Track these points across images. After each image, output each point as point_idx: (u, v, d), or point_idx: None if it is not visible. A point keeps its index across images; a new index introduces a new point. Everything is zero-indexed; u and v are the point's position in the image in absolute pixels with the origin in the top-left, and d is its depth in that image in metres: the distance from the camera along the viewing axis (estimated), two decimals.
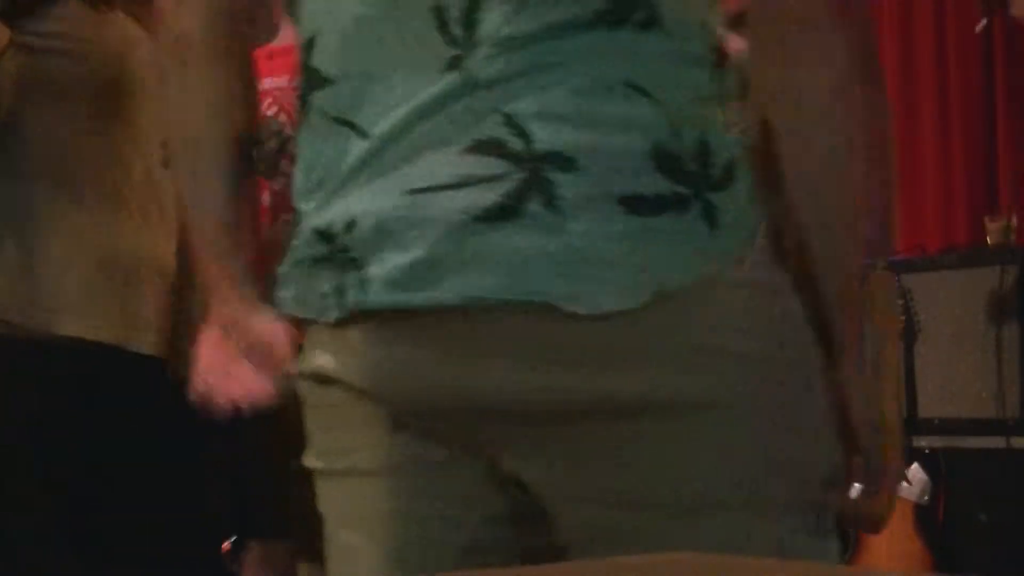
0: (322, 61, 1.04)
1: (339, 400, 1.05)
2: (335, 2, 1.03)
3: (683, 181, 0.95)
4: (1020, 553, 3.36)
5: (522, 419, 0.98)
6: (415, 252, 0.96)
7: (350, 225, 1.00)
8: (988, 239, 3.74)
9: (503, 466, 1.02)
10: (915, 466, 3.54)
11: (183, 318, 2.05)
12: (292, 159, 2.97)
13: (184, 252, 2.06)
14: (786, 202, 1.03)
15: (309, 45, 1.05)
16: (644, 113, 0.95)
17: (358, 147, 1.00)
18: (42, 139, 1.92)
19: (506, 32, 0.95)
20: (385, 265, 0.98)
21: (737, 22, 1.04)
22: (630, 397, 0.95)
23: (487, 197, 0.94)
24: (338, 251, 1.01)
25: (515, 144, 0.94)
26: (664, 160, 0.95)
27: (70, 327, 1.90)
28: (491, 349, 0.97)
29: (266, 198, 2.64)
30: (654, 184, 0.94)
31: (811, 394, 1.01)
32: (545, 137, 0.94)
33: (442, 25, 0.96)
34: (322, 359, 1.05)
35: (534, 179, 0.94)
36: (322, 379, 1.06)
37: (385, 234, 0.98)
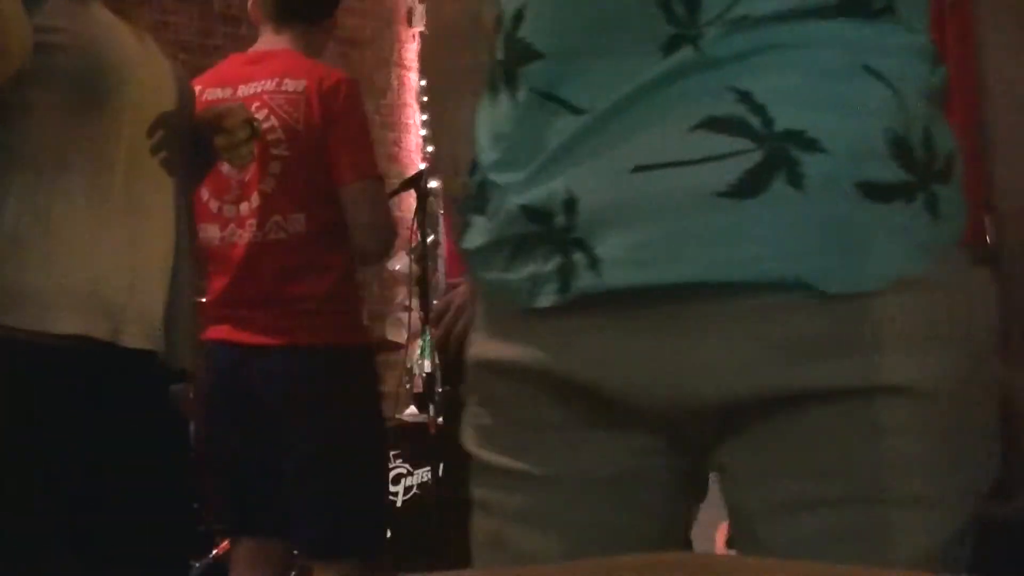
0: (532, 34, 1.01)
1: (533, 394, 1.01)
2: None
3: (912, 170, 0.94)
4: (1020, 553, 3.36)
5: (753, 404, 0.95)
6: (652, 230, 0.93)
7: (569, 203, 0.96)
8: (988, 238, 3.74)
9: (711, 461, 0.99)
10: None
11: (177, 312, 2.06)
12: (265, 151, 2.97)
13: (181, 245, 2.07)
14: (993, 196, 1.04)
15: (517, 17, 1.02)
16: (881, 98, 0.94)
17: (571, 123, 0.97)
18: (34, 135, 1.92)
19: (738, 13, 0.93)
20: (617, 245, 0.94)
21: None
22: (865, 381, 0.93)
23: (729, 173, 0.91)
24: (556, 230, 0.97)
25: (753, 122, 0.92)
26: (897, 147, 0.94)
27: (65, 324, 1.91)
28: (735, 331, 0.93)
29: (255, 199, 2.65)
30: (888, 170, 0.93)
31: (992, 390, 1.00)
32: (785, 116, 0.92)
33: (663, 2, 0.95)
34: (515, 349, 1.01)
35: (778, 157, 0.91)
36: (510, 371, 1.02)
37: (614, 213, 0.94)
